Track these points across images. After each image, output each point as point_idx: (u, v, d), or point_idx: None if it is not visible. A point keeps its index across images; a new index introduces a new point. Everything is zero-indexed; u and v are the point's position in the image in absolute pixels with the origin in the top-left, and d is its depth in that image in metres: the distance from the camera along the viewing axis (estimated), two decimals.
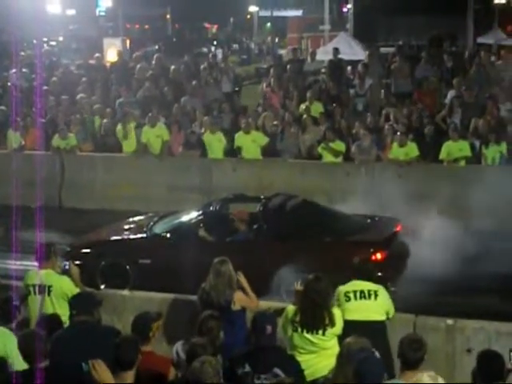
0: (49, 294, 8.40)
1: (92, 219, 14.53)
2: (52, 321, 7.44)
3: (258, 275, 9.22)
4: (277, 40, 53.85)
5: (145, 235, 11.73)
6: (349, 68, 20.02)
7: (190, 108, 17.92)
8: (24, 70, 21.32)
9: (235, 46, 55.48)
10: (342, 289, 8.06)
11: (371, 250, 10.66)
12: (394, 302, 8.17)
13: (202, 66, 20.37)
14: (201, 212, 11.74)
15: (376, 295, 8.01)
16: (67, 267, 9.55)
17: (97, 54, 22.72)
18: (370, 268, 8.62)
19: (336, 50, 20.58)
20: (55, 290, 8.39)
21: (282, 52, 35.27)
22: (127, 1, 42.64)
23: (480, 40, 32.15)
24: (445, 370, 7.93)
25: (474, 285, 11.13)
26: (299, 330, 7.39)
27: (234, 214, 12.06)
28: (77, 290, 8.34)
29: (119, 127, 16.95)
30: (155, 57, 21.23)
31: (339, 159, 15.77)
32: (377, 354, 6.09)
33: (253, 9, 60.40)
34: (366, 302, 7.97)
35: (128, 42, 34.45)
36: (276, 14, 57.25)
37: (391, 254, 10.80)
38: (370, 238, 11.17)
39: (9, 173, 14.86)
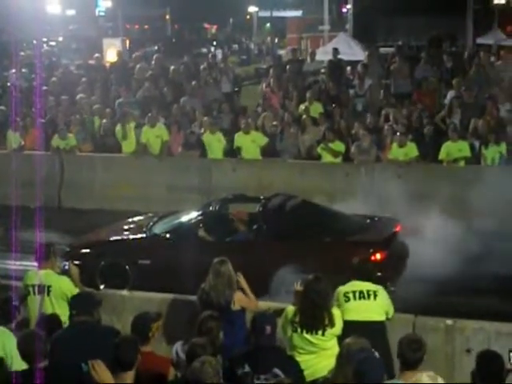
0: (48, 294, 8.39)
1: (91, 219, 14.53)
2: (51, 321, 7.43)
3: (257, 275, 9.23)
4: (276, 40, 53.84)
5: (144, 235, 11.72)
6: (348, 68, 20.03)
7: (190, 108, 17.92)
8: (24, 70, 21.38)
9: (235, 46, 55.49)
10: (342, 289, 8.06)
11: (371, 250, 10.66)
12: (393, 302, 8.17)
13: (201, 67, 20.38)
14: (200, 212, 11.74)
15: (375, 295, 8.01)
16: (67, 267, 9.54)
17: (96, 55, 22.74)
18: (369, 268, 8.62)
19: (335, 51, 20.59)
20: (55, 290, 8.39)
21: (282, 52, 35.27)
22: (127, 1, 42.65)
23: (479, 40, 32.15)
24: (444, 370, 7.93)
25: (473, 285, 11.14)
26: (299, 330, 7.38)
27: (233, 215, 12.06)
28: (76, 290, 8.33)
29: (118, 127, 16.95)
30: (155, 57, 21.25)
31: (339, 159, 15.77)
32: (376, 354, 6.09)
33: (252, 9, 60.43)
34: (366, 303, 7.97)
35: (127, 42, 34.44)
36: (275, 14, 57.22)
37: (391, 254, 10.80)
38: (369, 238, 11.16)
39: (8, 173, 14.87)
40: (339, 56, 20.57)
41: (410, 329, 8.37)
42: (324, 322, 7.36)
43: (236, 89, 20.74)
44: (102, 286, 10.89)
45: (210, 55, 23.70)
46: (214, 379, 5.63)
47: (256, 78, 30.11)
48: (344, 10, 46.45)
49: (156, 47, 44.08)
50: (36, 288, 8.45)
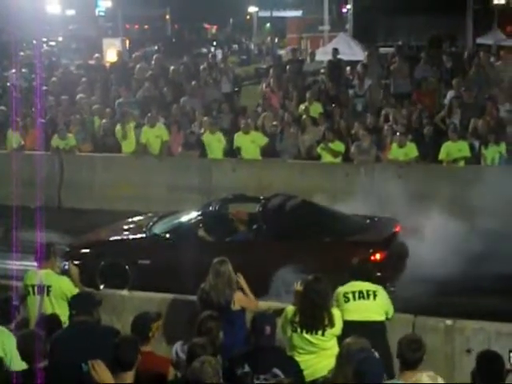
0: (48, 294, 8.39)
1: (91, 219, 14.53)
2: (51, 321, 7.44)
3: (257, 275, 9.24)
4: (276, 40, 53.78)
5: (144, 235, 11.72)
6: (348, 68, 20.04)
7: (190, 108, 17.92)
8: (24, 70, 21.38)
9: (235, 46, 55.46)
10: (341, 290, 8.06)
11: (370, 250, 10.67)
12: (393, 303, 8.17)
13: (201, 67, 20.38)
14: (200, 212, 11.74)
15: (375, 295, 8.01)
16: (66, 267, 9.55)
17: (96, 55, 22.74)
18: (369, 268, 8.62)
19: (335, 51, 20.59)
20: (54, 290, 8.39)
21: (282, 52, 35.24)
22: (127, 1, 42.62)
23: (479, 40, 32.14)
24: (444, 370, 7.93)
25: (473, 285, 11.12)
26: (298, 330, 7.39)
27: (233, 215, 12.06)
28: (76, 290, 8.33)
29: (118, 127, 16.95)
30: (155, 57, 21.25)
31: (338, 160, 15.77)
32: (376, 354, 6.09)
33: (252, 9, 60.40)
34: (365, 303, 7.98)
35: (127, 42, 34.43)
36: (275, 14, 57.19)
37: (390, 254, 10.81)
38: (369, 238, 11.17)
39: (8, 173, 14.86)
40: (339, 56, 20.59)
41: (409, 329, 8.37)
42: (324, 322, 7.36)
43: (236, 89, 20.74)
44: (101, 286, 10.89)
45: (209, 55, 23.70)
46: (214, 379, 5.63)
47: (256, 78, 30.10)
48: (344, 10, 46.46)
49: (156, 47, 44.03)
50: (36, 288, 8.46)
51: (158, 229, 11.79)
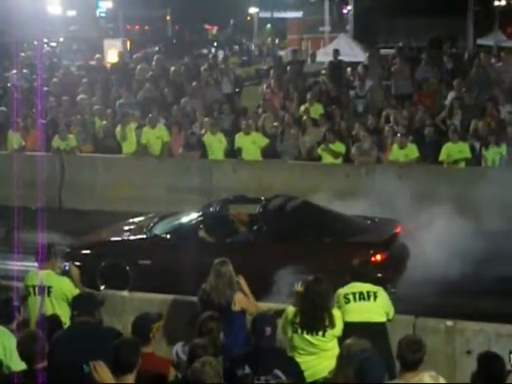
0: (48, 295, 8.39)
1: (92, 220, 14.53)
2: (52, 321, 7.43)
3: (257, 276, 9.24)
4: (277, 41, 53.77)
5: (145, 236, 11.73)
6: (349, 69, 20.06)
7: (190, 109, 17.93)
8: (24, 70, 21.37)
9: (235, 47, 55.45)
10: (342, 291, 8.07)
11: (371, 251, 10.67)
12: (394, 303, 8.17)
13: (202, 67, 20.40)
14: (201, 213, 11.75)
15: (375, 296, 8.02)
16: (67, 268, 9.55)
17: (97, 55, 22.76)
18: (369, 269, 8.63)
19: (336, 52, 20.61)
20: (55, 290, 8.39)
21: (282, 53, 35.26)
22: (127, 2, 42.63)
23: (480, 42, 32.21)
24: (444, 371, 7.88)
25: (473, 286, 11.13)
26: (299, 331, 7.39)
27: (233, 215, 12.06)
28: (77, 291, 8.33)
29: (118, 128, 16.95)
30: (155, 58, 21.27)
31: (339, 161, 15.78)
32: (377, 355, 6.09)
33: (253, 10, 60.36)
34: (366, 304, 7.98)
35: (128, 43, 34.42)
36: (276, 15, 57.17)
37: (391, 255, 10.81)
38: (369, 239, 11.17)
39: (9, 174, 14.86)
40: (340, 57, 20.62)
41: (410, 330, 8.37)
42: (324, 323, 7.36)
43: (237, 90, 20.77)
44: (102, 287, 10.90)
45: (210, 56, 23.73)
46: (215, 380, 5.63)
47: (256, 78, 30.10)
48: (344, 11, 46.48)
49: (157, 48, 44.04)
50: (36, 289, 8.46)
51: (158, 229, 11.80)
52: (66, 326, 7.42)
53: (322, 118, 16.89)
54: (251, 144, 16.15)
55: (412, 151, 15.29)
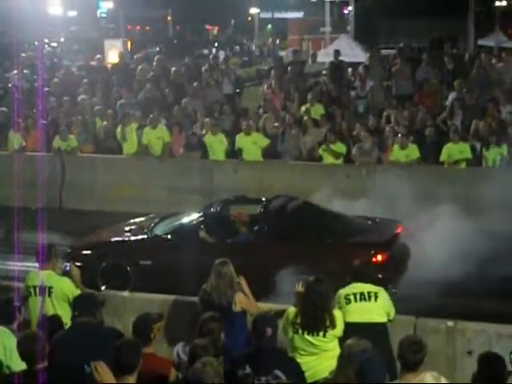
0: (49, 296, 8.39)
1: (92, 220, 14.53)
2: (53, 322, 7.42)
3: (258, 277, 9.24)
4: (278, 42, 53.78)
5: (145, 236, 11.73)
6: (350, 70, 20.07)
7: (191, 109, 17.94)
8: (25, 71, 21.36)
9: (236, 47, 55.45)
10: (342, 292, 8.06)
11: (372, 251, 10.67)
12: (394, 304, 8.16)
13: (203, 68, 20.41)
14: (201, 213, 11.75)
15: (376, 297, 8.01)
16: (68, 268, 9.54)
17: (98, 56, 22.78)
18: (370, 270, 8.63)
19: (337, 52, 20.61)
20: (56, 291, 8.39)
21: (283, 54, 35.27)
22: (128, 2, 42.67)
23: (481, 42, 32.22)
24: (445, 372, 7.87)
25: (474, 286, 11.12)
26: (300, 331, 7.39)
27: (234, 216, 12.06)
28: (77, 292, 8.32)
29: (118, 129, 16.96)
30: (156, 58, 21.28)
31: (340, 161, 15.78)
32: (377, 355, 6.09)
33: (254, 11, 60.38)
34: (367, 304, 7.97)
35: (129, 43, 34.40)
36: (277, 15, 57.20)
37: (392, 255, 10.81)
38: (370, 239, 11.17)
39: (10, 174, 14.85)
40: (340, 58, 20.61)
41: (410, 330, 8.37)
42: (325, 324, 7.36)
43: (237, 90, 20.77)
44: (103, 287, 10.90)
45: (211, 56, 23.74)
46: (215, 380, 5.63)
47: (257, 79, 30.09)
48: (345, 11, 46.47)
49: (157, 48, 44.04)
50: (37, 289, 8.45)
51: (159, 230, 11.80)
52: (66, 327, 7.42)
53: (323, 118, 16.89)
54: (252, 144, 16.16)
55: (413, 152, 15.29)
